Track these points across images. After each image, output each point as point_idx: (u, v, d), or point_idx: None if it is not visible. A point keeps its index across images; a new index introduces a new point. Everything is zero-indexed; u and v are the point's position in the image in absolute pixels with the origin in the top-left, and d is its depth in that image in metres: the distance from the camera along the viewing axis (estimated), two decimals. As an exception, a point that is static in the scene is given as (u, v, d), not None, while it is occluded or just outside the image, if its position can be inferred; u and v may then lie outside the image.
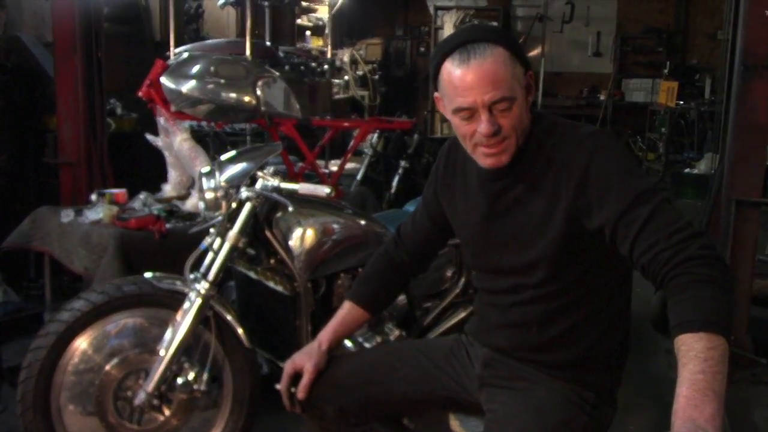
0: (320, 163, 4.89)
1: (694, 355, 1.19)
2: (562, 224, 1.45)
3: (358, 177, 5.09)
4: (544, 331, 1.56)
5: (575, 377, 1.56)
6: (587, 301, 1.54)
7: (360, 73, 9.75)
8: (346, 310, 1.83)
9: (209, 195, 2.27)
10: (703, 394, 1.16)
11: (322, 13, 9.17)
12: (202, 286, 2.14)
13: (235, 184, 2.25)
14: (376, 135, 5.20)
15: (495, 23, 10.08)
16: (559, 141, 1.49)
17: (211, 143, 4.66)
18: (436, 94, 1.56)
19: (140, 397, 2.13)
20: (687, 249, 1.29)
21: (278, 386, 1.76)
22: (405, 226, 1.89)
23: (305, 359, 1.74)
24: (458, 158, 1.69)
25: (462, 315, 2.56)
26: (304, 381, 1.71)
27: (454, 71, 1.44)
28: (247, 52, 5.26)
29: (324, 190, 2.15)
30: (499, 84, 1.42)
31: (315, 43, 9.40)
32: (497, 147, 1.48)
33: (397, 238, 1.89)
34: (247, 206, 2.21)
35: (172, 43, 5.27)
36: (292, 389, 1.74)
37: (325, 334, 1.79)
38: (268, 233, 2.32)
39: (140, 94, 3.40)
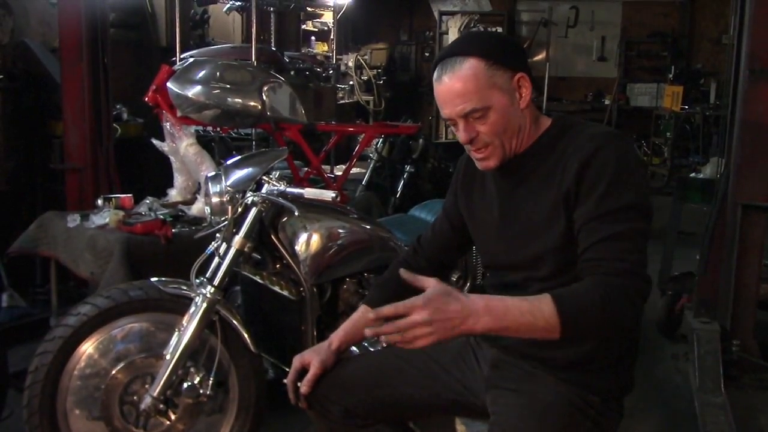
0: (325, 167, 4.91)
1: (534, 300, 1.32)
2: (563, 215, 1.48)
3: (363, 182, 5.10)
4: None
5: (582, 380, 1.55)
6: None
7: (365, 78, 9.77)
8: (360, 313, 1.84)
9: (215, 200, 2.27)
10: (505, 310, 1.30)
11: (327, 18, 9.21)
12: (208, 291, 2.14)
13: (240, 188, 2.25)
14: (381, 140, 5.21)
15: (499, 28, 10.09)
16: (573, 138, 1.53)
17: (216, 148, 4.68)
18: None
19: (146, 402, 2.13)
20: (622, 269, 1.36)
21: (286, 380, 1.78)
22: (425, 234, 1.92)
23: (313, 355, 1.76)
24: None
25: (467, 319, 2.55)
26: (309, 375, 1.73)
27: (435, 86, 1.55)
28: (253, 57, 5.27)
29: (329, 195, 2.16)
30: (468, 97, 1.49)
31: (320, 48, 9.44)
32: (481, 152, 1.56)
33: (417, 245, 1.92)
34: (253, 211, 2.21)
35: (177, 48, 5.29)
36: (298, 384, 1.75)
37: (337, 335, 1.80)
38: (273, 238, 2.32)
39: (146, 99, 3.42)
